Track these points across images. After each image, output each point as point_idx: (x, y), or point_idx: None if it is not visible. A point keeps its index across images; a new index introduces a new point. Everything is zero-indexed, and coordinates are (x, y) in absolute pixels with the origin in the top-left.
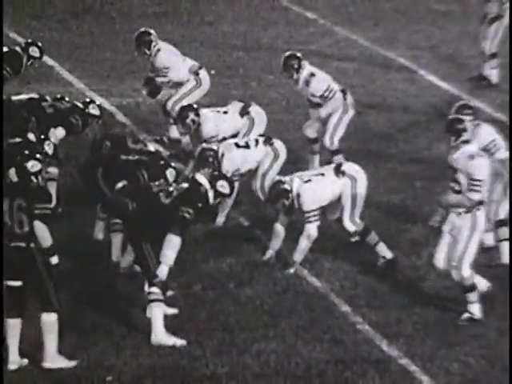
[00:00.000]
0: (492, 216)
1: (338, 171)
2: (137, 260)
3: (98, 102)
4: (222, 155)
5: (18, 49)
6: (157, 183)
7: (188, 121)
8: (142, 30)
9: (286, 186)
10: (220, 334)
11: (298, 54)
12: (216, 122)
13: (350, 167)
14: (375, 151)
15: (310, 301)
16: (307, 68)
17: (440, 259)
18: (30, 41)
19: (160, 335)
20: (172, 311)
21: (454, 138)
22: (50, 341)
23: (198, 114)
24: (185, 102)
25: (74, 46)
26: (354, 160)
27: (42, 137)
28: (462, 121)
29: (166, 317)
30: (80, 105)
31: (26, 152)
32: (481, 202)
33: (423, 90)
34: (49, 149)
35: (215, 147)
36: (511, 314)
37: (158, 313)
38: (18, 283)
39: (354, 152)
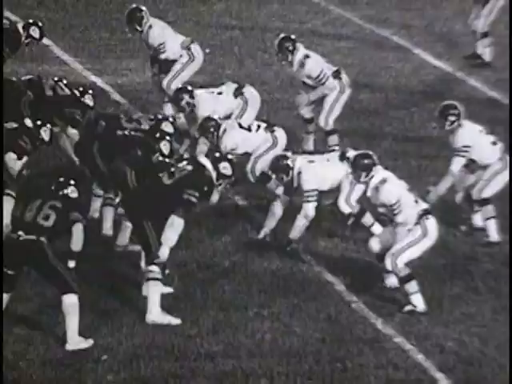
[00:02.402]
0: (475, 194)
1: (343, 157)
2: (136, 237)
3: (90, 92)
4: (224, 130)
5: (19, 26)
6: (157, 155)
7: (183, 103)
8: (134, 6)
9: (289, 162)
10: (215, 312)
11: (293, 36)
12: (211, 103)
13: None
14: (370, 130)
15: (305, 280)
16: (302, 50)
17: (376, 243)
18: (31, 21)
19: (155, 314)
20: (167, 290)
21: (364, 173)
22: (72, 323)
23: (192, 97)
24: (179, 79)
25: (68, 25)
26: (348, 139)
27: (39, 123)
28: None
29: (161, 295)
30: (78, 94)
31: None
32: (427, 211)
33: (417, 69)
34: (45, 135)
35: (219, 120)
36: (511, 294)
37: (154, 291)
38: (12, 272)
39: (348, 131)
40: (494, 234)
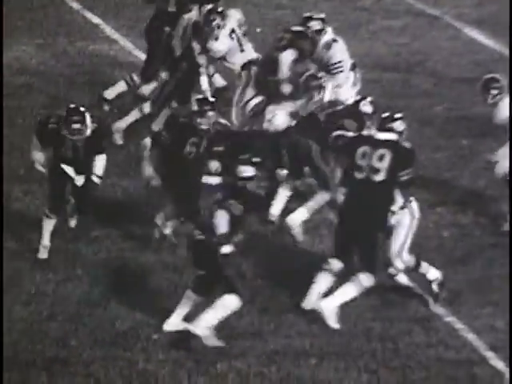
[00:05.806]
0: None
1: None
2: None
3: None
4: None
5: None
6: None
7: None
8: None
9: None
10: (269, 291)
11: (322, 15)
12: None
13: None
14: (421, 109)
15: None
16: (330, 33)
17: None
18: None
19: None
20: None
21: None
22: (211, 316)
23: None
24: None
25: (119, 4)
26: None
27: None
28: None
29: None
30: None
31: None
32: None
33: (468, 48)
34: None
35: None
36: None
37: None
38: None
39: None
40: None
